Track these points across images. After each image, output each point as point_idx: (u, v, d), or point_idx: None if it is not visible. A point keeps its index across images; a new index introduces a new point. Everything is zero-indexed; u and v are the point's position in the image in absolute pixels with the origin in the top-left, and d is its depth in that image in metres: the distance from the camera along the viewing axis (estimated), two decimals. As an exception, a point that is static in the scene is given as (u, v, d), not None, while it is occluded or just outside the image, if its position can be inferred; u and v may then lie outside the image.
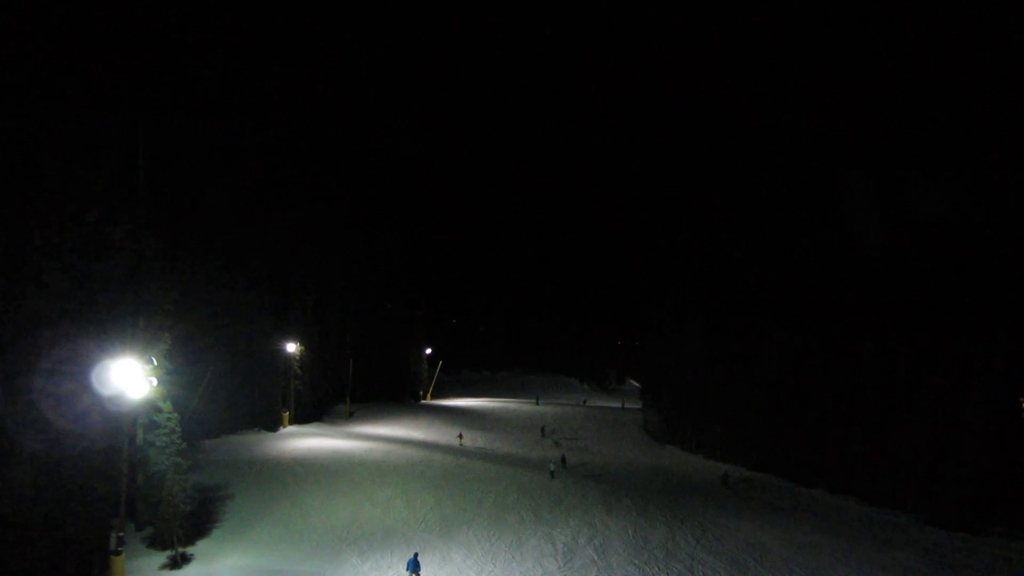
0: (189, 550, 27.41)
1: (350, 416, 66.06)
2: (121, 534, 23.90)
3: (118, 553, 23.67)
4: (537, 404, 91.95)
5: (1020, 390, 46.10)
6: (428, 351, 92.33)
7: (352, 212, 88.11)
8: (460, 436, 58.57)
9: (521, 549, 31.37)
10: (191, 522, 28.64)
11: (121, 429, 24.54)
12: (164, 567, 25.96)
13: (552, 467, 47.85)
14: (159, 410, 26.58)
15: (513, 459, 52.60)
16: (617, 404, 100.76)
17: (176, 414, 27.05)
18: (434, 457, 49.54)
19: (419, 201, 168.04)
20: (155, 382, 24.39)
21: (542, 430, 62.65)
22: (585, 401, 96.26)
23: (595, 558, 30.92)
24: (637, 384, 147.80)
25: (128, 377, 23.11)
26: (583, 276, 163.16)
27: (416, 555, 27.03)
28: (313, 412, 61.81)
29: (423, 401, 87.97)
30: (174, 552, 26.46)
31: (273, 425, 54.20)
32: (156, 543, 27.10)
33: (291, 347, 56.50)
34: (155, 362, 24.51)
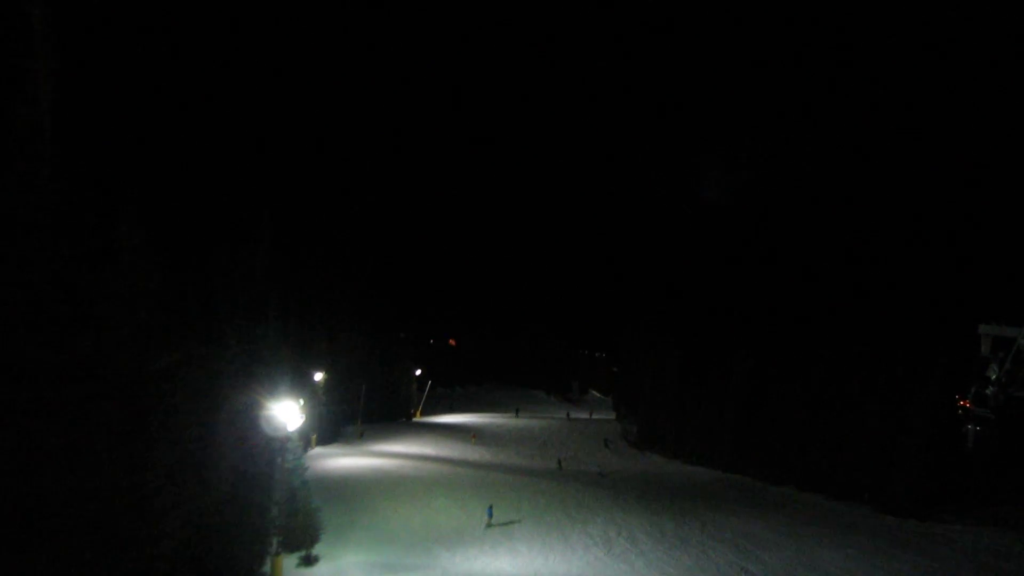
0: (312, 551, 33.84)
1: (361, 436, 72.21)
2: (280, 539, 30.34)
3: (278, 554, 30.10)
4: (516, 416, 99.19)
5: (958, 389, 55.40)
6: (417, 372, 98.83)
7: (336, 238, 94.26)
8: (473, 436, 69.51)
9: (568, 542, 38.60)
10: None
11: (275, 456, 30.99)
12: (300, 565, 32.35)
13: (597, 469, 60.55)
14: (290, 439, 33.01)
15: (524, 469, 59.66)
16: (584, 415, 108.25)
17: (300, 442, 33.55)
18: (458, 471, 56.36)
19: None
20: (303, 418, 30.87)
21: (559, 462, 63.92)
22: (569, 414, 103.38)
23: (629, 547, 38.34)
24: (599, 395, 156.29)
25: (286, 414, 29.66)
26: (546, 291, 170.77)
27: (491, 506, 41.19)
28: (332, 434, 67.94)
29: (414, 419, 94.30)
30: (305, 553, 32.92)
31: (305, 447, 60.13)
32: (287, 547, 33.41)
33: (318, 376, 62.64)
34: (302, 402, 31.03)
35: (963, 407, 56.28)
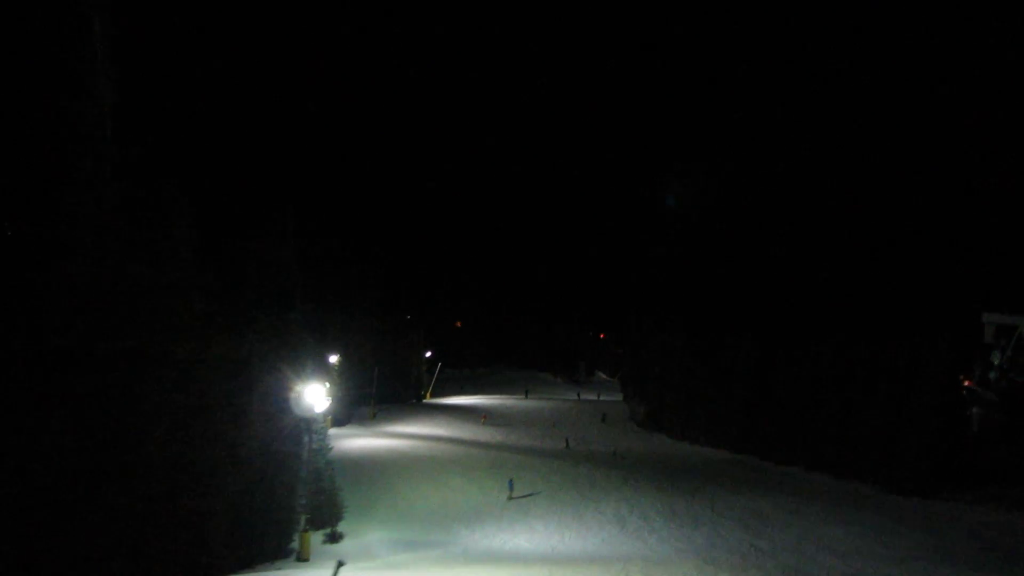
0: (337, 529, 35.10)
1: (373, 417, 73.54)
2: (307, 516, 31.58)
3: (306, 531, 31.34)
4: (526, 398, 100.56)
5: (963, 371, 56.45)
6: (428, 354, 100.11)
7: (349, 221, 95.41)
8: (483, 417, 72.18)
9: (582, 520, 39.83)
10: (330, 508, 36.29)
11: (302, 436, 32.18)
12: (325, 542, 33.60)
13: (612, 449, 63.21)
14: (315, 420, 34.18)
15: (535, 450, 60.90)
16: (592, 396, 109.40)
17: (324, 423, 34.75)
18: (472, 451, 57.61)
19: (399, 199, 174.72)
20: (329, 400, 32.04)
21: (567, 442, 66.04)
22: (580, 395, 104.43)
23: (642, 524, 39.54)
24: (605, 377, 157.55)
25: (314, 397, 30.80)
26: (553, 275, 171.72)
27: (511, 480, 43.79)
28: (346, 415, 69.28)
29: (425, 401, 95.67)
30: (330, 530, 34.20)
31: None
32: (313, 524, 34.64)
33: (333, 358, 63.84)
34: (328, 385, 32.16)
35: (968, 388, 57.32)
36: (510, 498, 42.89)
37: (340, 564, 20.66)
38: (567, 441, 65.67)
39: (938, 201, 68.08)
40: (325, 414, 35.12)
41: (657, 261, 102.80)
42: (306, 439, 33.56)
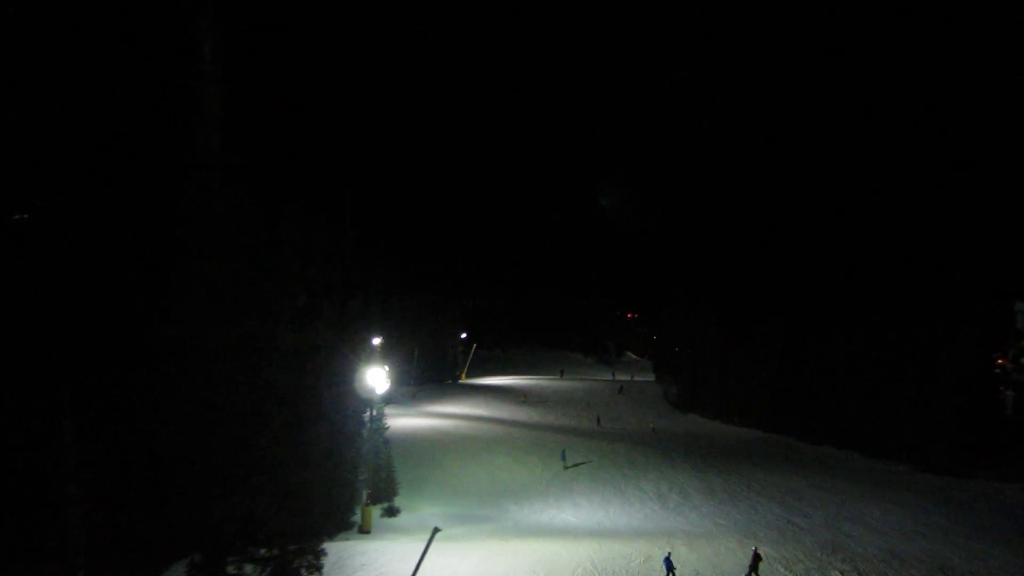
0: (394, 503, 37.09)
1: (414, 398, 75.63)
2: (369, 491, 33.58)
3: (368, 504, 33.33)
4: (561, 378, 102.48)
5: (996, 349, 57.27)
6: (463, 335, 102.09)
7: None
8: (523, 396, 75.93)
9: (625, 496, 41.55)
10: (386, 484, 38.28)
11: (362, 416, 34.12)
12: (383, 515, 35.58)
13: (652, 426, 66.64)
14: (375, 402, 36.10)
15: (573, 430, 62.68)
16: (626, 377, 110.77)
17: (382, 404, 36.67)
18: (512, 431, 59.50)
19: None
20: (389, 383, 33.90)
21: (597, 419, 69.35)
22: (614, 375, 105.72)
23: (681, 501, 41.17)
24: (635, 356, 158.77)
25: (375, 380, 32.66)
26: (582, 255, 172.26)
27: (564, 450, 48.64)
28: (387, 396, 71.34)
29: (460, 381, 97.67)
30: (388, 505, 36.18)
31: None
32: (372, 499, 36.65)
33: (376, 340, 65.75)
34: (387, 368, 34.00)
35: (1001, 366, 58.11)
36: (565, 467, 46.75)
37: (436, 530, 22.34)
38: (598, 419, 68.15)
39: (974, 190, 68.15)
40: (385, 396, 36.98)
41: (688, 243, 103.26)
42: (367, 418, 35.55)
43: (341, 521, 33.10)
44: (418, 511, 36.75)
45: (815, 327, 66.40)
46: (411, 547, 30.06)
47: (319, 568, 19.68)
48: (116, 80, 16.10)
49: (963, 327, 53.93)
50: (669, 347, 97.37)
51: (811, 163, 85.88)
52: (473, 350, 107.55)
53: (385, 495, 36.64)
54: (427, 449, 49.25)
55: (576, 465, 47.98)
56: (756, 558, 27.24)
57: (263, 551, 18.60)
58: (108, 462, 16.01)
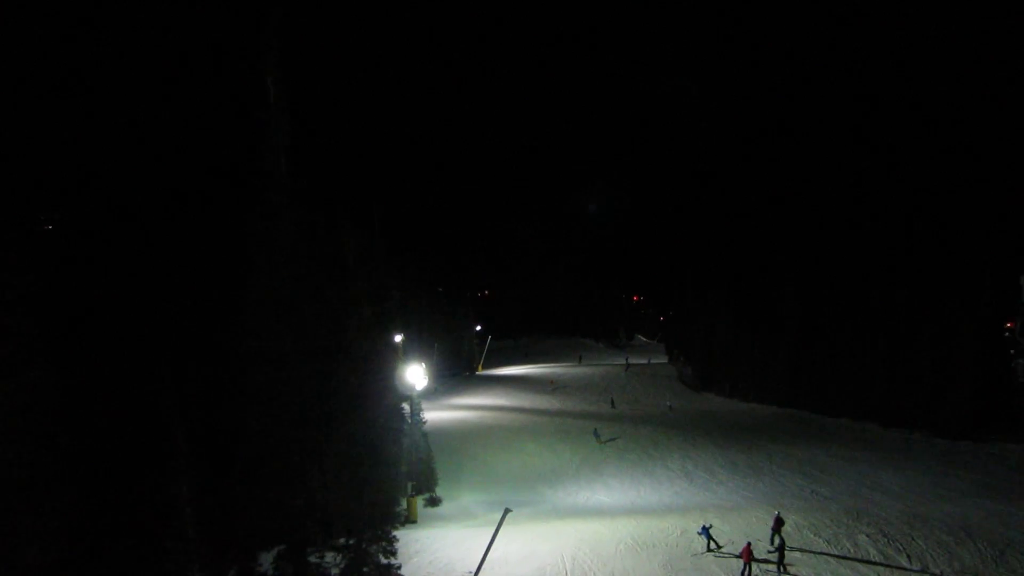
0: (435, 493, 38.79)
1: (435, 391, 77.30)
2: (413, 483, 35.27)
3: (413, 495, 35.03)
4: (580, 363, 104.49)
5: (1006, 315, 58.76)
6: (478, 328, 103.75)
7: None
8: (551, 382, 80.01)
9: (654, 476, 43.22)
10: (425, 475, 39.98)
11: (401, 411, 35.76)
12: (427, 505, 37.28)
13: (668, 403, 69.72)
14: (416, 396, 37.76)
15: (594, 415, 64.23)
16: (642, 360, 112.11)
17: (420, 399, 38.31)
18: (536, 419, 61.18)
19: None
20: (427, 379, 35.52)
21: (612, 402, 72.28)
22: (628, 360, 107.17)
23: (708, 477, 42.84)
24: (645, 339, 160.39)
25: (414, 376, 34.28)
26: (586, 238, 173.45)
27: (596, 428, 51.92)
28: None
29: (477, 373, 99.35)
30: (429, 495, 37.89)
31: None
32: (415, 489, 38.40)
33: (398, 337, 67.37)
34: (425, 366, 35.62)
35: (1010, 330, 59.58)
36: (600, 443, 50.49)
37: (507, 511, 24.06)
38: (612, 401, 71.66)
39: (984, 169, 69.48)
40: (425, 391, 38.59)
41: (698, 224, 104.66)
42: (407, 414, 37.22)
43: (387, 512, 34.77)
44: (458, 499, 38.44)
45: (828, 302, 67.89)
46: (458, 533, 31.93)
47: (394, 553, 21.40)
48: (201, 121, 17.70)
49: (975, 297, 55.39)
50: (682, 329, 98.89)
51: (822, 138, 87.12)
52: (488, 342, 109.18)
53: (426, 486, 38.31)
54: (458, 440, 50.91)
55: (611, 440, 51.98)
56: (778, 521, 28.98)
57: (341, 540, 20.32)
58: (201, 464, 17.68)
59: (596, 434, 51.68)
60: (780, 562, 25.96)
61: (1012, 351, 58.58)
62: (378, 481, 22.53)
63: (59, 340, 15.84)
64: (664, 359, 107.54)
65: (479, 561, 22.44)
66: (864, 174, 76.20)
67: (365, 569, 20.72)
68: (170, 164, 18.59)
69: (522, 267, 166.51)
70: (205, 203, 18.45)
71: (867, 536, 29.54)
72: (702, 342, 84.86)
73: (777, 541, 27.61)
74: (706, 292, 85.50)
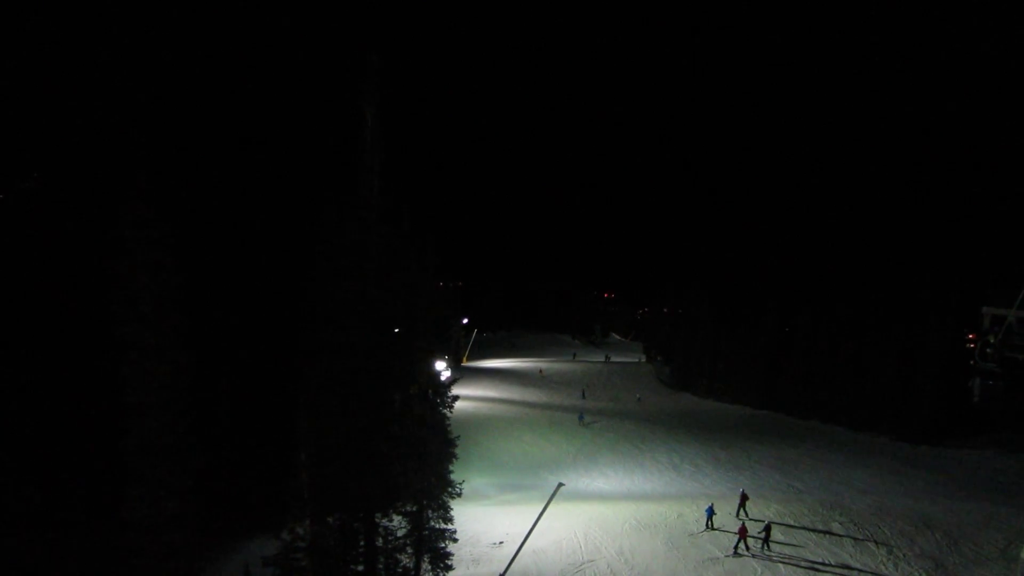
0: (447, 476, 42.14)
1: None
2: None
3: (432, 476, 38.34)
4: (574, 360, 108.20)
5: (970, 329, 63.40)
6: (464, 320, 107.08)
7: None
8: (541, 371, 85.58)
9: (644, 467, 47.06)
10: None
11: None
12: (441, 486, 40.64)
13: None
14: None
15: (583, 409, 67.84)
16: (622, 358, 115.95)
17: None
18: (528, 411, 64.77)
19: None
20: (449, 371, 38.81)
21: (583, 392, 78.19)
22: (608, 357, 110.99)
23: (694, 470, 46.77)
24: (620, 337, 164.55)
25: (442, 368, 37.61)
26: (563, 236, 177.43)
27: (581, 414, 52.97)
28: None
29: (463, 365, 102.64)
30: (443, 477, 41.26)
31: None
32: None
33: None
34: (447, 358, 38.89)
35: (972, 340, 64.26)
36: (584, 425, 58.14)
37: (560, 485, 27.84)
38: (583, 392, 77.82)
39: (954, 201, 74.58)
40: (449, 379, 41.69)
41: (680, 226, 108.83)
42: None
43: (445, 485, 37.80)
44: (470, 482, 41.63)
45: (803, 309, 72.37)
46: (477, 510, 35.50)
47: (449, 520, 24.93)
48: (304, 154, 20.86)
49: (941, 311, 60.01)
50: (660, 328, 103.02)
51: (802, 154, 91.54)
52: (475, 335, 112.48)
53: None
54: (459, 428, 53.76)
55: (591, 424, 59.26)
56: (744, 497, 34.61)
57: (406, 507, 23.76)
58: (297, 440, 20.97)
59: (581, 417, 59.79)
60: (766, 539, 29.83)
61: (969, 368, 63.09)
62: (438, 458, 25.88)
63: (199, 329, 18.97)
64: (637, 357, 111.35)
65: (527, 530, 26.10)
66: (847, 185, 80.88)
67: (425, 532, 24.20)
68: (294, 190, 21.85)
69: (502, 261, 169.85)
70: (314, 217, 21.64)
71: (839, 524, 33.50)
72: (681, 342, 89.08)
73: (742, 515, 33.07)
74: (686, 295, 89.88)
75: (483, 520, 33.75)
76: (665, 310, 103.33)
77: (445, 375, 38.77)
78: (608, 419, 63.03)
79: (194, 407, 18.81)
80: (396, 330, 23.42)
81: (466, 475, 43.34)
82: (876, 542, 31.23)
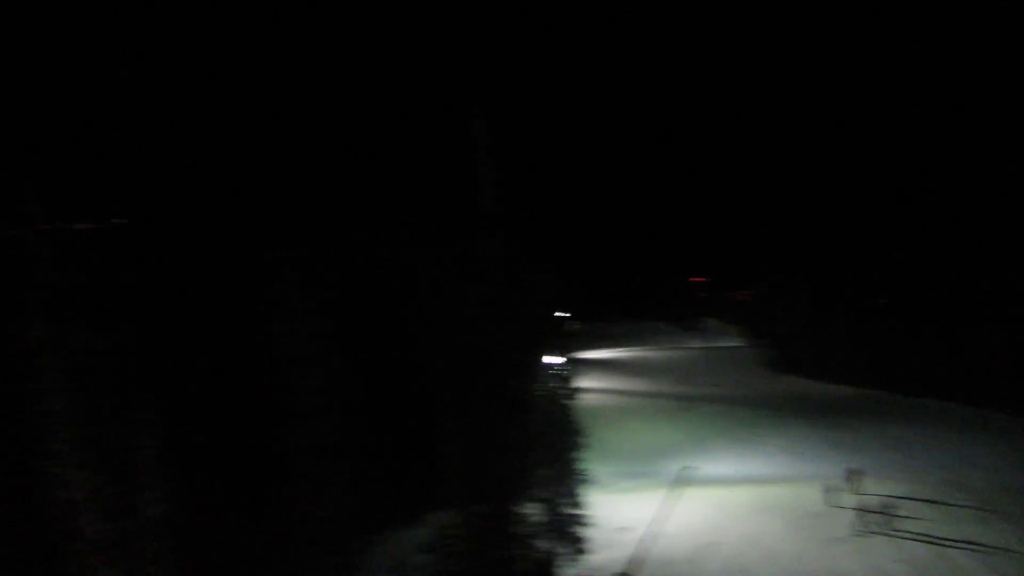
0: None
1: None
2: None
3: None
4: (673, 347, 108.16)
5: None
6: (568, 315, 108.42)
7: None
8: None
9: (754, 449, 47.79)
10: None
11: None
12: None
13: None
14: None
15: (691, 396, 68.55)
16: (724, 343, 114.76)
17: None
18: (635, 400, 66.14)
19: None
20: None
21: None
22: (706, 341, 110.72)
23: (805, 451, 47.19)
24: (716, 322, 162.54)
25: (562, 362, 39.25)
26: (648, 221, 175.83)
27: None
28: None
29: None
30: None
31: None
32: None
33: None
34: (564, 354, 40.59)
35: None
36: (690, 410, 58.85)
37: (686, 468, 29.41)
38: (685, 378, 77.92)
39: None
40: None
41: (777, 213, 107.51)
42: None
43: (574, 475, 39.56)
44: (595, 471, 43.24)
45: (912, 287, 70.96)
46: (598, 497, 36.92)
47: (579, 506, 26.75)
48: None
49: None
50: (761, 312, 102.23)
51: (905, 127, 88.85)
52: (578, 327, 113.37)
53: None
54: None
55: (697, 409, 60.10)
56: (861, 476, 35.35)
57: (539, 495, 25.66)
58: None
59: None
60: (888, 517, 30.26)
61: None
62: (565, 447, 27.78)
63: (351, 340, 21.29)
64: (738, 341, 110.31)
65: (649, 516, 27.67)
66: (956, 158, 78.55)
67: (558, 518, 26.03)
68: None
69: (593, 251, 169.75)
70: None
71: (961, 501, 33.57)
72: (782, 324, 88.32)
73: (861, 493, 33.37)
74: (786, 280, 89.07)
75: (604, 506, 35.23)
76: (764, 292, 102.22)
77: (565, 369, 40.52)
78: (712, 404, 63.61)
79: (348, 411, 21.13)
80: (520, 327, 25.13)
81: (589, 465, 45.12)
82: (1002, 520, 31.17)
